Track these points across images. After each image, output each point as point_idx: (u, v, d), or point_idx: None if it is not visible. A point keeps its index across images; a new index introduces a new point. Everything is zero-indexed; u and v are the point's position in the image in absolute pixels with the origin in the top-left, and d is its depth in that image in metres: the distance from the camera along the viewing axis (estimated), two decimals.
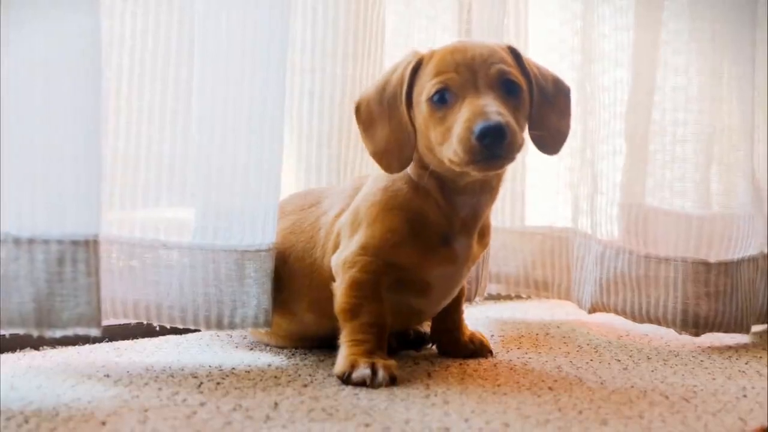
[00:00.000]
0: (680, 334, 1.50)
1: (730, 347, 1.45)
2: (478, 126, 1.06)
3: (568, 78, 1.64)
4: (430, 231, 1.19)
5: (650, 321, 1.51)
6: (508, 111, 1.11)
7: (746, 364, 1.33)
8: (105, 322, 1.33)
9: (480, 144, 1.06)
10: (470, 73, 1.12)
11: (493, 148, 1.07)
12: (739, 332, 1.51)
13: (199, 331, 1.38)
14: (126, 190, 1.24)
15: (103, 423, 0.93)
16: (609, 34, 1.57)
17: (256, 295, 1.23)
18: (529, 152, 1.73)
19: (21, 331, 1.05)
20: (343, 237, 1.22)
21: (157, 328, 1.31)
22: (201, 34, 1.22)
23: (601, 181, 1.58)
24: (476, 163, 1.09)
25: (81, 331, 1.06)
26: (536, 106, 1.19)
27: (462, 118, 1.09)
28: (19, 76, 1.03)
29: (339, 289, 1.19)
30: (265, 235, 1.24)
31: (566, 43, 1.69)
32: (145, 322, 1.25)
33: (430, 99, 1.13)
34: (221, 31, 1.21)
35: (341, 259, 1.19)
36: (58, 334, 1.05)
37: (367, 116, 1.20)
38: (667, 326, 1.50)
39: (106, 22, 1.23)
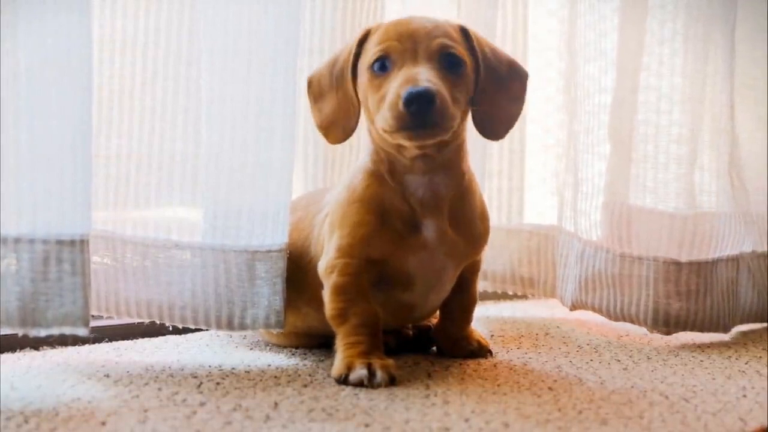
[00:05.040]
0: (651, 332, 1.51)
1: (730, 347, 1.45)
2: (405, 91, 1.07)
3: (565, 77, 1.66)
4: (394, 217, 1.18)
5: (624, 319, 1.51)
6: (446, 84, 1.11)
7: (746, 364, 1.33)
8: (107, 322, 1.35)
9: (407, 110, 1.07)
10: (412, 43, 1.13)
11: (420, 114, 1.07)
12: (716, 332, 1.51)
13: (200, 330, 1.38)
14: (140, 190, 1.25)
15: (103, 423, 0.93)
16: (594, 36, 1.57)
17: (267, 295, 1.23)
18: (527, 152, 1.75)
19: (6, 330, 1.06)
20: (325, 241, 1.22)
21: (158, 326, 1.31)
22: (208, 32, 1.22)
23: (583, 180, 1.58)
24: (405, 131, 1.09)
25: (67, 330, 1.06)
26: (484, 86, 1.19)
27: (394, 85, 1.10)
28: (5, 74, 1.03)
29: (325, 295, 1.19)
30: (275, 235, 1.24)
31: (563, 42, 1.69)
32: (147, 321, 1.26)
33: (371, 66, 1.15)
34: (228, 28, 1.21)
35: (323, 266, 1.20)
36: (43, 333, 1.05)
37: (317, 90, 1.23)
38: (640, 325, 1.50)
39: (119, 22, 1.24)
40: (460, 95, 1.15)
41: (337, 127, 1.21)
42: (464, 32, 1.20)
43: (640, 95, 1.55)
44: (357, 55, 1.19)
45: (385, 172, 1.19)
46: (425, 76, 1.09)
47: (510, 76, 1.23)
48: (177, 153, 1.26)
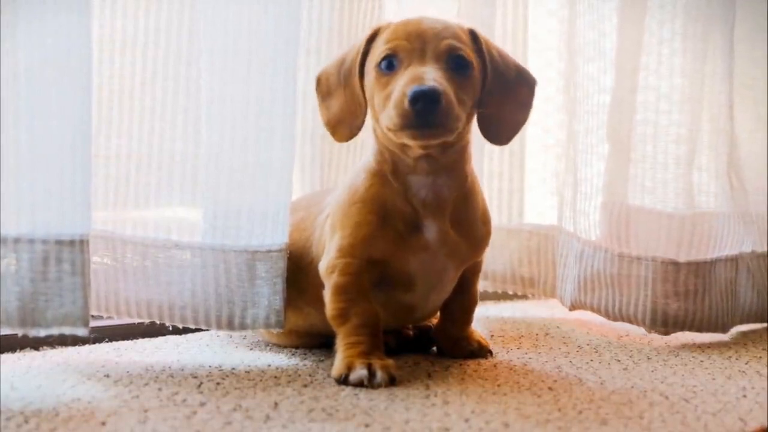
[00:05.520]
0: (649, 332, 1.51)
1: (730, 347, 1.45)
2: (411, 89, 1.07)
3: (564, 78, 1.66)
4: (395, 218, 1.18)
5: (623, 319, 1.52)
6: (453, 86, 1.11)
7: (746, 364, 1.33)
8: (107, 322, 1.35)
9: (412, 108, 1.07)
10: (420, 42, 1.13)
11: (425, 113, 1.07)
12: (714, 332, 1.51)
13: (200, 330, 1.38)
14: (139, 190, 1.25)
15: (103, 423, 0.93)
16: (594, 36, 1.57)
17: (267, 295, 1.23)
18: (527, 152, 1.75)
19: (6, 330, 1.06)
20: (327, 241, 1.22)
21: (158, 326, 1.31)
22: (208, 32, 1.22)
23: (582, 180, 1.57)
24: (409, 129, 1.09)
25: (67, 330, 1.06)
26: (490, 90, 1.19)
27: (400, 83, 1.10)
28: (5, 74, 1.03)
29: (326, 296, 1.19)
30: (275, 235, 1.24)
31: (563, 42, 1.69)
32: (147, 321, 1.26)
33: (378, 65, 1.15)
34: (228, 28, 1.21)
35: (324, 266, 1.20)
36: (43, 333, 1.05)
37: (326, 87, 1.23)
38: (638, 325, 1.51)
39: (119, 22, 1.24)
40: (466, 97, 1.15)
41: (344, 126, 1.21)
42: (473, 35, 1.19)
43: (639, 95, 1.55)
44: (365, 54, 1.19)
45: (389, 173, 1.19)
46: (432, 76, 1.09)
47: (518, 81, 1.23)
48: (177, 153, 1.26)
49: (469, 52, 1.16)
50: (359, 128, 1.20)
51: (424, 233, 1.19)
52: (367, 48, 1.19)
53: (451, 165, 1.20)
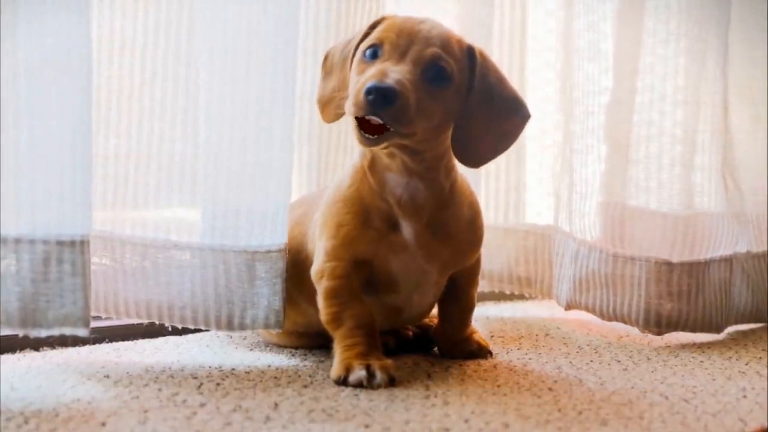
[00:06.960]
0: (643, 333, 1.52)
1: (730, 348, 1.45)
2: (370, 82, 1.07)
3: (560, 78, 1.66)
4: (374, 215, 1.18)
5: (617, 319, 1.52)
6: (422, 93, 1.10)
7: (746, 364, 1.33)
8: (107, 323, 1.35)
9: (365, 99, 1.06)
10: (407, 42, 1.12)
11: (375, 107, 1.06)
12: (708, 332, 1.52)
13: (200, 331, 1.38)
14: (138, 190, 1.25)
15: (103, 423, 0.93)
16: (592, 36, 1.56)
17: (267, 296, 1.23)
18: (526, 153, 1.75)
19: (6, 331, 1.06)
20: (316, 242, 1.22)
21: (158, 327, 1.31)
22: (207, 32, 1.22)
23: (579, 180, 1.57)
24: (357, 118, 1.09)
25: (68, 331, 1.06)
26: (473, 110, 1.16)
27: (367, 74, 1.10)
28: (5, 74, 1.03)
29: (319, 301, 1.19)
30: (275, 235, 1.24)
31: (560, 43, 1.69)
32: (147, 322, 1.26)
33: (363, 51, 1.14)
34: (227, 28, 1.21)
35: (314, 271, 1.20)
36: (44, 333, 1.05)
37: (329, 66, 1.24)
38: (631, 325, 1.51)
39: (118, 22, 1.24)
40: (436, 109, 1.12)
41: (332, 106, 1.21)
42: (470, 52, 1.17)
43: (637, 96, 1.55)
44: (364, 39, 1.18)
45: (368, 168, 1.19)
46: (396, 76, 1.08)
47: (509, 110, 1.20)
48: (176, 153, 1.26)
49: (452, 66, 1.13)
50: (342, 110, 1.17)
51: (401, 232, 1.18)
52: (368, 34, 1.18)
53: (425, 173, 1.18)
